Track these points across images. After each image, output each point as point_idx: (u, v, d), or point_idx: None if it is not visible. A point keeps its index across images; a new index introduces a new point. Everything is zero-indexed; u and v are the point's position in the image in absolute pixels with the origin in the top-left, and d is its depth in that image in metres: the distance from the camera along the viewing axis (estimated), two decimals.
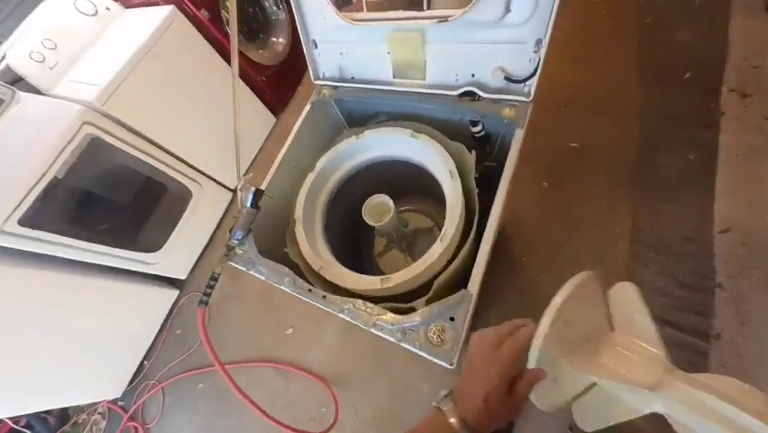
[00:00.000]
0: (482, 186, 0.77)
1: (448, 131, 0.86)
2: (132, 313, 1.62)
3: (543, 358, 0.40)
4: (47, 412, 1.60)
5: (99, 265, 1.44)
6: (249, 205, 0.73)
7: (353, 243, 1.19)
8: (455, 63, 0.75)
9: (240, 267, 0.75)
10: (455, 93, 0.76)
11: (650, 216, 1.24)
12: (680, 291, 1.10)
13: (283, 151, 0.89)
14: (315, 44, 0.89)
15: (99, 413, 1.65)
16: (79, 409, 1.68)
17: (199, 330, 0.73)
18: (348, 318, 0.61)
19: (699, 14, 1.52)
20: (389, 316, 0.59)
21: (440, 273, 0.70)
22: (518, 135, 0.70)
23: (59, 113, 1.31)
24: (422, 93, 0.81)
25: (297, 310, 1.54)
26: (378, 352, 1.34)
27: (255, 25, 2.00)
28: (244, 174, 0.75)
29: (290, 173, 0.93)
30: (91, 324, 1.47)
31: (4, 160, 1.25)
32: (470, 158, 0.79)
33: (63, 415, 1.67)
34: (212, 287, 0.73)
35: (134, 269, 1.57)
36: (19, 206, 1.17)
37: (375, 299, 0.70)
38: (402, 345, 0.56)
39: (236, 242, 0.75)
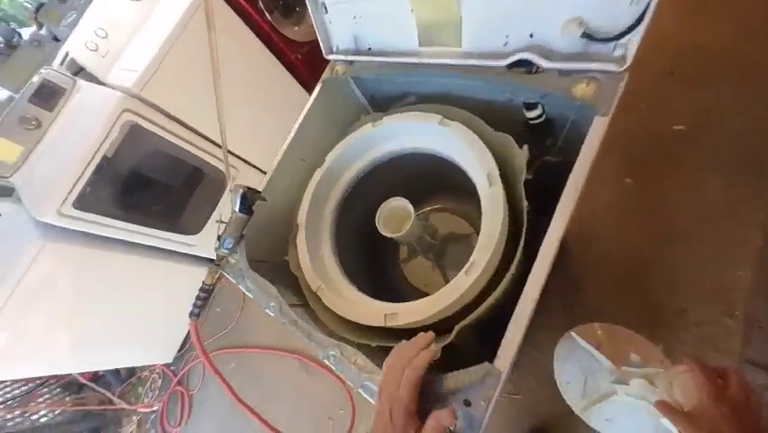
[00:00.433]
0: (537, 189, 0.55)
1: (493, 116, 0.63)
2: (178, 289, 1.74)
3: None
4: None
5: (148, 246, 1.55)
6: (237, 209, 0.62)
7: (374, 246, 1.04)
8: (505, 18, 0.51)
9: (230, 278, 0.66)
10: (503, 63, 0.53)
11: None
12: None
13: (287, 141, 0.76)
14: (325, 7, 0.71)
15: (156, 373, 1.86)
16: (143, 368, 1.91)
17: (194, 342, 0.67)
18: (333, 367, 0.48)
19: None
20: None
21: (466, 311, 0.52)
22: (600, 124, 0.46)
23: (104, 101, 1.36)
24: (455, 65, 0.59)
25: None
26: None
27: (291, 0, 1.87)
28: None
29: (298, 168, 0.80)
30: (146, 297, 1.61)
31: (63, 149, 1.35)
32: (521, 154, 0.57)
33: (131, 370, 1.93)
34: (202, 299, 0.66)
35: (177, 250, 1.66)
36: (71, 191, 1.25)
37: (378, 333, 0.55)
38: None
39: (226, 251, 0.65)
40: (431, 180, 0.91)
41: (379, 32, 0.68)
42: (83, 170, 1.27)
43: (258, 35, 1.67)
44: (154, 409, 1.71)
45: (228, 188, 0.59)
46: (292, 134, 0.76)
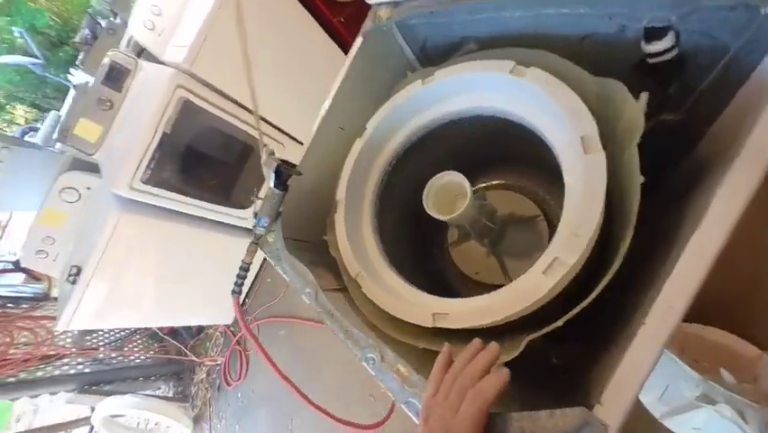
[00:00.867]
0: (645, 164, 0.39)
1: (587, 58, 0.46)
2: (232, 258, 1.86)
3: None
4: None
5: (208, 220, 1.65)
6: (272, 184, 0.56)
7: (418, 226, 0.93)
8: None
9: (269, 259, 0.62)
10: None
11: None
12: None
13: (324, 108, 0.67)
14: None
15: (219, 332, 2.07)
16: (210, 326, 2.14)
17: (237, 317, 0.66)
18: (372, 373, 0.41)
19: None
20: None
21: (535, 319, 0.40)
22: None
23: (160, 78, 1.41)
24: None
25: None
26: None
27: None
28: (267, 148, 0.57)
29: (337, 138, 0.71)
30: (207, 266, 1.75)
31: (131, 126, 1.45)
32: (635, 107, 0.40)
33: (200, 327, 2.18)
34: (242, 277, 0.64)
35: (231, 222, 1.75)
36: (139, 167, 1.35)
37: (425, 333, 0.47)
38: None
39: (262, 229, 0.61)
40: (490, 150, 0.76)
41: None
42: (147, 147, 1.35)
43: (308, 9, 1.58)
44: (218, 362, 1.92)
45: (262, 162, 0.53)
46: (329, 100, 0.67)
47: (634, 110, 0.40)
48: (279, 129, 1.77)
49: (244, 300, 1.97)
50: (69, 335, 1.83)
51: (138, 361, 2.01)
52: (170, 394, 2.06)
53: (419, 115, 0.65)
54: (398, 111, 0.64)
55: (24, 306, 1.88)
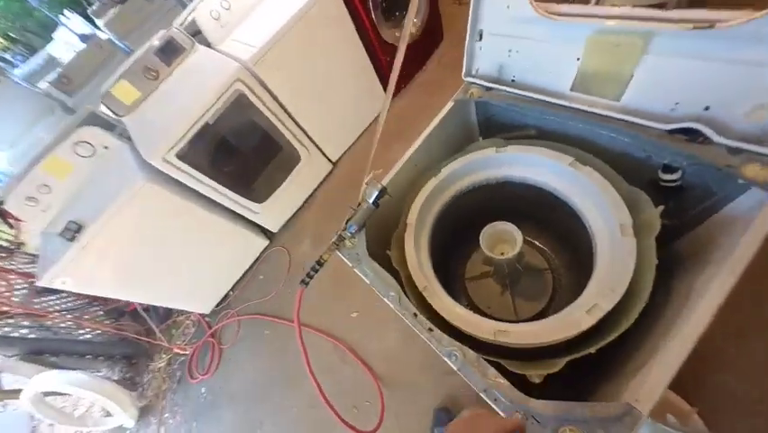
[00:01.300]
0: None
1: (619, 169, 0.66)
2: (231, 249, 1.86)
3: None
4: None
5: (220, 206, 1.67)
6: (372, 201, 0.69)
7: (445, 257, 1.08)
8: (681, 87, 0.54)
9: (345, 260, 0.73)
10: (666, 126, 0.57)
11: None
12: None
13: (413, 148, 0.82)
14: (480, 35, 0.77)
15: (191, 320, 1.98)
16: (180, 313, 2.04)
17: (295, 307, 0.73)
18: (453, 366, 0.52)
19: None
20: (506, 386, 0.48)
21: (572, 345, 0.55)
22: None
23: (220, 67, 1.49)
24: (610, 117, 0.63)
25: (364, 297, 1.54)
26: (437, 367, 1.25)
27: (394, 2, 1.96)
28: (371, 173, 0.70)
29: (409, 172, 0.86)
30: (203, 250, 1.72)
31: (176, 102, 1.48)
32: (653, 214, 0.60)
33: (169, 312, 2.06)
34: (317, 270, 0.73)
35: (242, 213, 1.77)
36: (178, 142, 1.38)
37: (478, 344, 0.60)
38: None
39: (349, 234, 0.72)
40: (523, 208, 0.94)
41: (531, 68, 0.73)
42: (192, 125, 1.39)
43: (359, 33, 1.78)
44: (186, 352, 1.82)
45: (365, 181, 0.66)
46: (419, 142, 0.82)
47: (653, 214, 0.60)
48: (309, 137, 1.89)
49: (229, 292, 1.93)
50: (17, 294, 1.65)
51: (89, 336, 1.85)
52: (115, 378, 1.88)
53: (485, 171, 0.83)
54: (471, 165, 0.81)
55: None
